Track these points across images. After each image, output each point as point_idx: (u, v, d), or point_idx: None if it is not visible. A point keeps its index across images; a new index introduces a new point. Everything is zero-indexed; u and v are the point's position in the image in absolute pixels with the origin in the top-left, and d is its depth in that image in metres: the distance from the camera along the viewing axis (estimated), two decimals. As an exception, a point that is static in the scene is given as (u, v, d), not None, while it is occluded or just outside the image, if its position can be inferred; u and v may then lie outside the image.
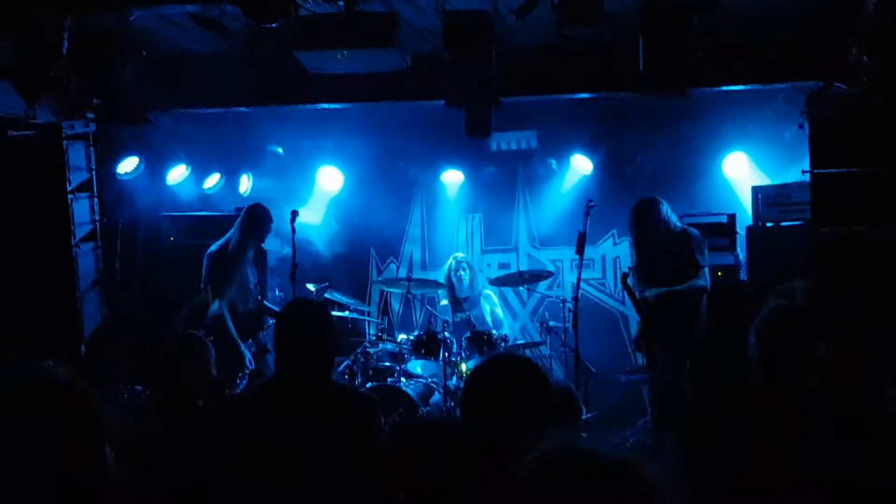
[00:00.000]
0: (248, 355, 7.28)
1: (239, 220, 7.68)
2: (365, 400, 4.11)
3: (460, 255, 9.64)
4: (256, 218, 7.65)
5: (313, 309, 4.21)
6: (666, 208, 7.46)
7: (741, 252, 8.56)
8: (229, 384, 7.11)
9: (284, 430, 3.71)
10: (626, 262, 10.05)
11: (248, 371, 7.18)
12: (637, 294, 7.52)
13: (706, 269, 7.40)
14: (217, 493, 3.63)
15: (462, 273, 9.21)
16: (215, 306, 7.34)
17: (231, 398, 4.63)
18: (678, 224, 7.48)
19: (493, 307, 9.38)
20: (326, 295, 8.55)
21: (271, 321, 7.51)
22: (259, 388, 4.36)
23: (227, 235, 7.64)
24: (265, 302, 7.87)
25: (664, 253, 7.42)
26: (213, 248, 7.62)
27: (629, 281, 7.53)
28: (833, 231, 6.76)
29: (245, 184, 9.98)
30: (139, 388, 8.12)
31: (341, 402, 3.90)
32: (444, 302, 9.45)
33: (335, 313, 8.42)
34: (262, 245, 7.80)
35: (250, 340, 7.47)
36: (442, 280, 9.46)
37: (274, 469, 3.61)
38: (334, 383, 4.16)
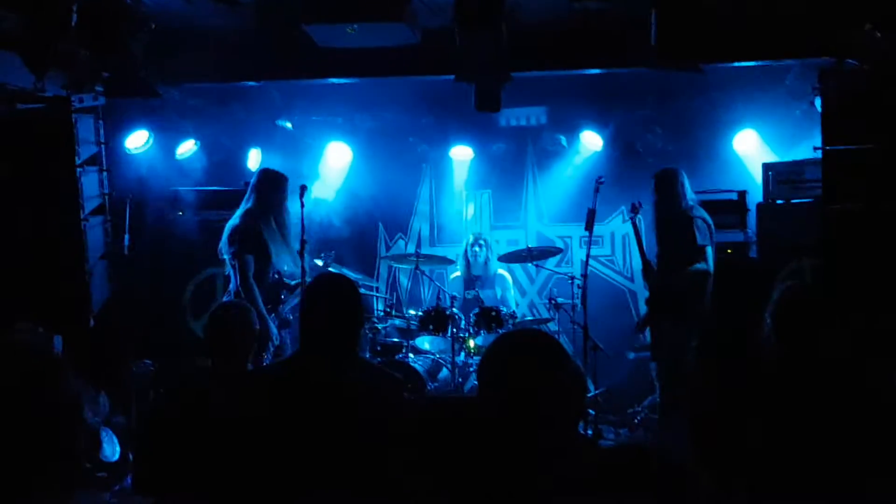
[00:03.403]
0: (274, 329, 7.22)
1: (254, 186, 7.43)
2: (389, 378, 4.09)
3: (479, 231, 9.68)
4: (272, 181, 7.44)
5: (340, 282, 4.15)
6: (685, 181, 7.44)
7: (751, 229, 8.53)
8: (256, 356, 7.07)
9: (309, 404, 3.70)
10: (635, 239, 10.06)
11: (274, 345, 7.14)
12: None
13: (709, 251, 7.37)
14: (243, 464, 3.64)
15: (477, 249, 9.20)
16: (243, 277, 7.22)
17: (258, 371, 4.66)
18: (689, 202, 7.46)
19: (505, 290, 9.36)
20: (332, 266, 8.53)
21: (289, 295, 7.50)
22: (284, 362, 4.37)
23: (246, 204, 7.40)
24: (284, 278, 7.81)
25: (672, 227, 7.41)
26: (235, 218, 7.36)
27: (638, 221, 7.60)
28: (844, 208, 6.72)
29: (254, 158, 9.98)
30: (148, 361, 8.16)
31: (366, 380, 3.88)
32: (457, 273, 9.43)
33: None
34: (282, 213, 7.59)
35: (273, 315, 7.36)
36: (451, 256, 9.47)
37: (297, 443, 3.61)
38: (360, 359, 4.14)
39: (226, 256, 7.27)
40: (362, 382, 3.83)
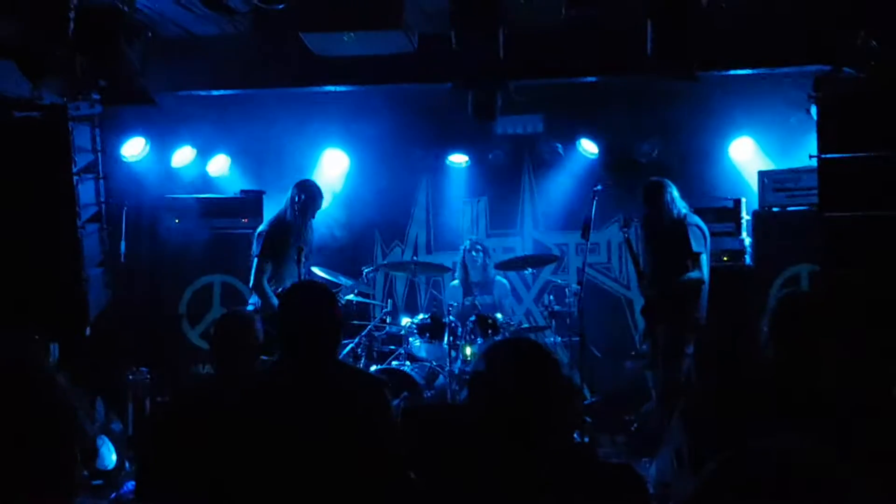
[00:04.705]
0: None
1: (291, 196, 7.70)
2: (372, 379, 4.12)
3: (475, 237, 9.70)
4: (310, 193, 7.71)
5: (315, 290, 4.23)
6: (672, 192, 7.44)
7: (747, 237, 8.54)
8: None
9: (291, 410, 3.72)
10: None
11: None
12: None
13: (704, 258, 7.37)
14: (227, 469, 3.65)
15: (475, 254, 9.20)
16: (257, 280, 7.41)
17: (250, 377, 4.69)
18: (682, 210, 7.46)
19: (503, 297, 9.35)
20: (330, 277, 8.53)
21: None
22: (268, 369, 4.40)
23: (280, 212, 7.71)
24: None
25: (665, 237, 7.41)
26: (265, 225, 7.71)
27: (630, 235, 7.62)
28: (840, 216, 6.73)
29: (251, 167, 9.98)
30: (144, 369, 8.16)
31: (347, 382, 3.92)
32: (455, 282, 9.44)
33: (347, 297, 8.45)
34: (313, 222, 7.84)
35: None
36: (448, 264, 9.47)
37: (283, 449, 3.62)
38: (340, 363, 4.17)
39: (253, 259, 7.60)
40: (342, 385, 3.87)
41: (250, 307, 7.62)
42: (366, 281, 8.72)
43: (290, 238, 7.58)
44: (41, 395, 1.94)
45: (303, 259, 7.45)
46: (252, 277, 7.56)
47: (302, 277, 7.43)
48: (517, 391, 2.76)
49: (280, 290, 7.48)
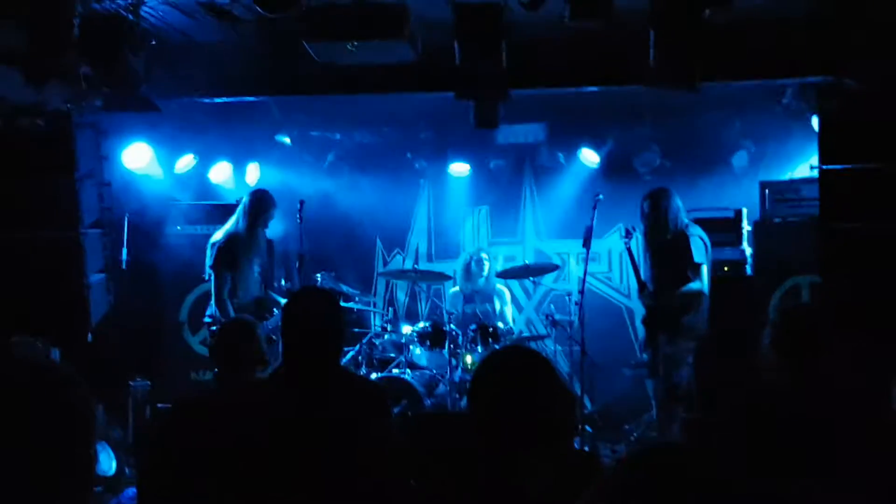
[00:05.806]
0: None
1: (244, 206, 7.65)
2: (372, 387, 4.13)
3: (480, 247, 9.74)
4: (263, 203, 7.64)
5: (321, 296, 4.24)
6: (676, 201, 7.44)
7: (748, 247, 8.55)
8: None
9: (291, 416, 3.72)
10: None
11: None
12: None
13: (705, 269, 7.37)
14: (228, 477, 3.66)
15: (483, 264, 9.20)
16: (218, 293, 7.38)
17: (241, 386, 4.70)
18: (684, 220, 7.47)
19: (503, 305, 9.37)
20: (331, 284, 8.55)
21: (277, 311, 7.49)
22: (268, 377, 4.41)
23: (232, 223, 7.64)
24: (270, 292, 7.87)
25: (667, 247, 7.42)
26: (218, 236, 7.63)
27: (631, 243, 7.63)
28: (841, 227, 6.74)
29: (252, 173, 10.00)
30: (145, 376, 8.16)
31: (348, 388, 3.92)
32: (455, 289, 9.44)
33: (341, 304, 8.45)
34: (266, 232, 7.80)
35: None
36: (448, 272, 9.48)
37: (284, 455, 3.63)
38: (342, 369, 4.18)
39: (207, 271, 7.53)
40: (343, 391, 3.88)
41: (207, 319, 7.62)
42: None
43: (242, 249, 7.51)
44: (63, 396, 1.94)
45: (303, 266, 7.47)
46: (213, 291, 7.50)
47: (297, 285, 7.44)
48: (515, 400, 2.77)
49: (237, 302, 7.45)
